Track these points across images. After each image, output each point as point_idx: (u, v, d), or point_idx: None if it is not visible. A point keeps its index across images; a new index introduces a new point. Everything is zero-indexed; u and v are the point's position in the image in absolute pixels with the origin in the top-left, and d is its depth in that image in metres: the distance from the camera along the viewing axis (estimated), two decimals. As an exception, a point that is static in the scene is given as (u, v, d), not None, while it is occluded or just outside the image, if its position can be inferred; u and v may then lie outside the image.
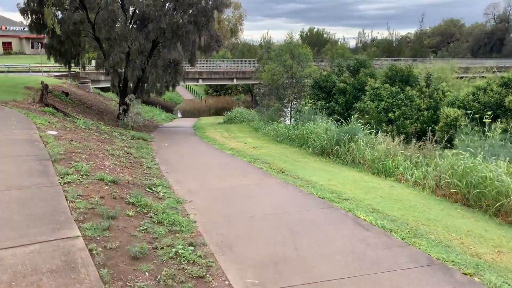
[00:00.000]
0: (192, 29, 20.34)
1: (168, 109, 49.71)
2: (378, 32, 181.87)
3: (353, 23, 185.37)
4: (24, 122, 11.10)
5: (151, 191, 7.42)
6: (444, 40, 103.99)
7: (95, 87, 37.42)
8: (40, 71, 43.28)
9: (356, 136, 12.58)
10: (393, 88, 18.81)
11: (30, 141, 8.92)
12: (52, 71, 43.68)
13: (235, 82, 47.45)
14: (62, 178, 6.63)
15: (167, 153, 13.27)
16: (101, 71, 27.88)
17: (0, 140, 9.02)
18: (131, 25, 22.74)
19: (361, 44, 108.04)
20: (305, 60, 27.10)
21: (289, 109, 28.37)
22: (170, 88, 24.84)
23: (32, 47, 77.08)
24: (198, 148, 15.18)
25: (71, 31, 20.18)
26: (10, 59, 59.43)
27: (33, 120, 11.66)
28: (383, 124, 17.85)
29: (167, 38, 20.03)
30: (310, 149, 13.82)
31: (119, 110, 23.56)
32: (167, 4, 20.63)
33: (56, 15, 15.61)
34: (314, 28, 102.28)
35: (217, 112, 59.36)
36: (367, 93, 19.34)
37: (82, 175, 6.93)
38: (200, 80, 45.86)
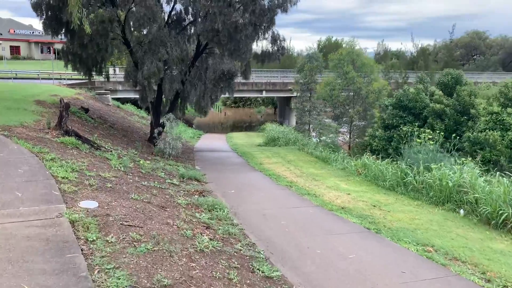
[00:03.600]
0: (251, 32, 15.81)
1: (188, 122, 45.21)
2: (401, 43, 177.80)
3: (360, 34, 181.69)
4: (37, 176, 6.52)
5: None
6: (468, 53, 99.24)
7: (111, 98, 32.95)
8: (51, 79, 38.96)
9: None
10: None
11: (56, 252, 4.24)
12: (63, 79, 39.38)
13: (264, 94, 42.96)
14: None
15: (249, 214, 8.71)
16: (116, 80, 23.07)
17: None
18: (167, 27, 18.31)
19: (379, 55, 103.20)
20: (369, 72, 22.47)
21: (348, 129, 23.70)
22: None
23: (42, 52, 73.13)
24: (281, 198, 10.57)
25: (97, 32, 15.69)
26: (17, 64, 55.29)
27: (51, 169, 7.08)
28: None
29: (220, 42, 15.46)
30: (462, 212, 9.13)
31: (151, 132, 19.04)
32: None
33: (82, 9, 11.19)
34: (332, 37, 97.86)
35: (238, 125, 54.86)
36: (482, 118, 14.67)
37: None
38: (227, 93, 41.25)
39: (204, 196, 10.16)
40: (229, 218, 8.12)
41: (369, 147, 19.52)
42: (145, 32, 17.60)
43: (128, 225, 5.28)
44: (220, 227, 7.12)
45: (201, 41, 16.38)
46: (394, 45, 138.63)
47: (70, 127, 11.58)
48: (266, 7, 15.90)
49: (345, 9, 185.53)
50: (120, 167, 9.85)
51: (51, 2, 15.48)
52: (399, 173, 11.47)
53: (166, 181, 10.67)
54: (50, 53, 72.65)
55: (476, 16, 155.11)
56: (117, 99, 34.85)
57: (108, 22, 15.43)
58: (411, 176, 11.07)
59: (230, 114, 66.35)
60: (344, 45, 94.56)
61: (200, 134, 35.50)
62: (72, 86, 32.33)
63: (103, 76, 19.32)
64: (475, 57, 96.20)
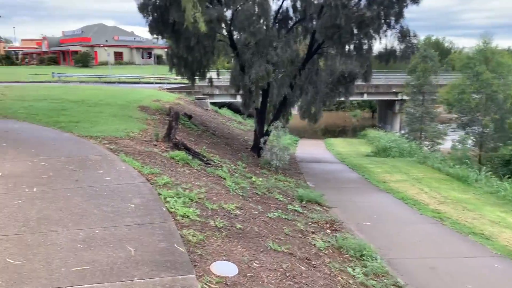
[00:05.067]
0: (376, 28, 13.45)
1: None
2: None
3: (457, 32, 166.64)
4: (152, 215, 4.96)
5: None
6: None
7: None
8: (151, 83, 39.84)
9: None
10: None
11: None
12: (163, 83, 40.02)
13: (365, 97, 39.81)
14: None
15: (411, 267, 6.52)
16: (211, 84, 21.62)
17: None
18: (275, 26, 16.61)
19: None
20: (506, 72, 18.73)
21: (476, 139, 20.09)
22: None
23: (142, 57, 76.83)
24: (439, 240, 8.13)
25: (204, 33, 14.42)
26: (120, 69, 58.25)
27: (168, 202, 5.51)
28: None
29: (340, 40, 13.32)
30: None
31: (255, 140, 17.48)
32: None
33: (197, 4, 9.77)
34: (432, 36, 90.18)
35: (331, 130, 51.90)
36: None
37: None
38: (343, 97, 38.91)
39: (337, 230, 8.12)
40: (389, 274, 5.96)
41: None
42: (250, 33, 16.10)
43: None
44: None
45: (317, 39, 14.36)
46: (501, 43, 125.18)
47: (179, 139, 10.22)
48: (395, -3, 13.43)
49: (442, 6, 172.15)
50: (237, 190, 8.16)
51: (158, 2, 14.53)
52: None
53: (288, 207, 8.79)
54: (150, 58, 76.15)
55: None
56: (213, 103, 34.29)
57: (216, 22, 14.09)
58: None
59: (322, 118, 63.67)
60: (446, 44, 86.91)
61: (296, 140, 33.56)
62: (171, 90, 32.36)
63: (207, 80, 18.15)
64: None
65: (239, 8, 15.10)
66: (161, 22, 14.94)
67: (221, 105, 36.20)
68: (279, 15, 17.31)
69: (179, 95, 28.56)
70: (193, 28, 12.51)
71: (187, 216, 5.17)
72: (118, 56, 75.27)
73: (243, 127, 26.59)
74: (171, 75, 44.45)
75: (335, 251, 6.60)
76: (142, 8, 15.08)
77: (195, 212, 5.38)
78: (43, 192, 5.53)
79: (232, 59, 19.03)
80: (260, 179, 11.15)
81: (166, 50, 19.00)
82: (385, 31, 14.28)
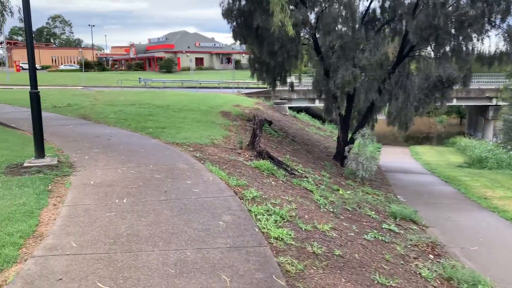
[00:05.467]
0: (480, 27, 12.07)
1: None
2: None
3: None
4: (243, 237, 4.58)
5: None
6: None
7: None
8: (230, 87, 40.41)
9: None
10: None
11: None
12: (242, 87, 40.44)
13: (454, 102, 36.92)
14: None
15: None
16: (292, 89, 20.96)
17: None
18: (362, 27, 15.70)
19: None
20: None
21: None
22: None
23: (221, 62, 78.79)
24: None
25: (288, 37, 14.01)
26: (201, 75, 60.12)
27: (259, 221, 5.08)
28: None
29: (438, 42, 12.15)
30: None
31: (338, 148, 16.70)
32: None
33: (286, 6, 9.33)
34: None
35: (413, 136, 48.80)
36: None
37: None
38: (439, 103, 36.72)
39: (440, 256, 7.18)
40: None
41: None
42: (336, 35, 15.40)
43: None
44: None
45: (410, 41, 13.26)
46: None
47: (263, 148, 9.85)
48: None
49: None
50: (327, 206, 7.54)
51: (243, 7, 14.38)
52: None
53: (383, 226, 7.99)
54: (228, 63, 77.84)
55: None
56: (291, 108, 33.83)
57: (301, 24, 13.59)
58: None
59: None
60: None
61: (379, 147, 31.91)
62: (249, 95, 32.51)
63: (288, 85, 17.72)
64: None
65: (325, 10, 14.50)
66: (244, 27, 14.79)
67: (298, 109, 35.66)
68: (365, 17, 16.40)
69: (258, 99, 28.51)
70: (279, 32, 12.16)
71: (282, 238, 4.68)
72: (199, 61, 77.89)
73: (323, 133, 25.79)
74: (249, 79, 44.76)
75: (445, 283, 5.75)
76: (227, 14, 15.05)
77: (289, 234, 4.87)
78: (133, 204, 5.37)
79: (311, 63, 18.44)
80: (348, 192, 10.42)
81: (248, 56, 18.91)
82: (487, 31, 12.82)
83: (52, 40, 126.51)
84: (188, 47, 77.99)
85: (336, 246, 5.19)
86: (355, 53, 14.31)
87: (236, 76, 44.45)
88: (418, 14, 13.11)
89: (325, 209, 7.23)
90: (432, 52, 13.69)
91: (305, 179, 9.72)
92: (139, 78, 46.87)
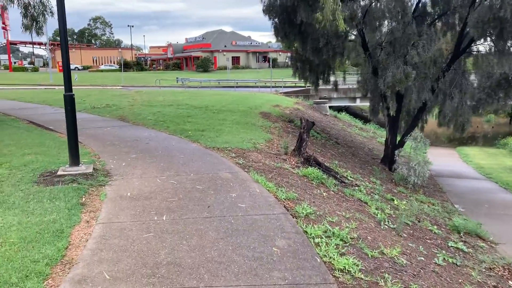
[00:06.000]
0: (552, 18, 10.74)
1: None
2: None
3: None
4: (304, 270, 3.81)
5: None
6: None
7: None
8: (267, 87, 39.73)
9: None
10: None
11: None
12: (279, 86, 39.66)
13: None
14: None
15: None
16: (336, 88, 19.81)
17: None
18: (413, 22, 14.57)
19: None
20: None
21: None
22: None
23: (257, 61, 78.21)
24: None
25: (334, 33, 13.14)
26: (237, 73, 59.79)
27: (317, 246, 4.33)
28: None
29: (502, 36, 10.94)
30: None
31: (385, 151, 15.66)
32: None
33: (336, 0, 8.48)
34: None
35: (458, 137, 46.30)
36: None
37: None
38: (501, 103, 34.60)
39: (521, 282, 6.19)
40: None
41: None
42: (385, 31, 14.39)
43: None
44: None
45: (470, 34, 12.10)
46: None
47: (311, 153, 9.08)
48: None
49: None
50: (387, 222, 6.69)
51: (285, 2, 13.60)
52: None
53: (449, 244, 7.06)
54: (264, 61, 77.21)
55: None
56: (330, 107, 32.72)
57: (349, 20, 12.67)
58: None
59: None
60: None
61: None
62: (287, 94, 31.66)
63: (331, 84, 16.81)
64: None
65: (373, 3, 13.51)
66: (287, 24, 14.02)
67: (337, 109, 34.49)
68: (416, 11, 15.26)
69: (297, 99, 27.67)
70: (324, 28, 11.31)
71: (348, 271, 3.91)
72: (235, 60, 77.66)
73: (365, 133, 24.62)
74: (287, 78, 43.89)
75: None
76: (268, 10, 14.33)
77: (356, 264, 4.10)
78: (173, 222, 4.74)
79: (355, 61, 17.40)
80: (404, 202, 9.47)
81: (284, 54, 18.17)
82: None
83: (93, 41, 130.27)
84: (225, 46, 77.90)
85: (410, 278, 4.36)
86: (406, 50, 13.26)
87: (273, 75, 43.68)
88: (478, 6, 11.92)
89: (386, 226, 6.38)
90: (493, 47, 12.42)
91: (356, 187, 8.87)
92: (177, 78, 46.96)
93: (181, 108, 16.27)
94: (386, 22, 14.05)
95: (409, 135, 13.75)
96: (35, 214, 4.78)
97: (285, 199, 5.85)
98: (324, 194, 7.06)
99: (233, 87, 37.71)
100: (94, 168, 6.73)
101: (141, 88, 34.63)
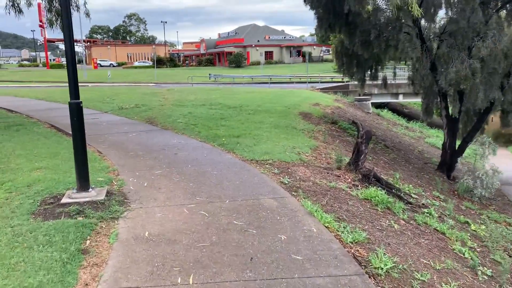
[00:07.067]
0: None
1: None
2: None
3: None
4: None
5: None
6: None
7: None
8: (303, 82, 38.05)
9: None
10: None
11: None
12: (316, 82, 37.91)
13: None
14: None
15: None
16: (385, 85, 17.84)
17: None
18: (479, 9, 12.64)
19: None
20: None
21: None
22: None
23: (291, 56, 76.30)
24: None
25: (387, 24, 11.44)
26: (270, 69, 58.24)
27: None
28: None
29: None
30: None
31: (443, 156, 13.82)
32: None
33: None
34: None
35: (506, 134, 43.04)
36: None
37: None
38: None
39: None
40: None
41: None
42: (444, 21, 12.58)
43: None
44: None
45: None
46: None
47: (370, 167, 7.52)
48: None
49: None
50: (481, 267, 5.09)
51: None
52: None
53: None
54: (298, 56, 75.23)
55: None
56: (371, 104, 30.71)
57: (404, 8, 10.94)
58: None
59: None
60: None
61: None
62: (324, 90, 29.89)
63: (381, 79, 15.07)
64: None
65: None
66: (332, 14, 12.41)
67: (378, 105, 32.41)
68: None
69: (335, 96, 25.91)
70: (361, 24, 9.65)
71: None
72: (269, 55, 76.07)
73: (412, 133, 22.60)
74: (323, 73, 41.94)
75: None
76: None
77: None
78: None
79: (410, 54, 15.51)
80: (483, 227, 7.77)
81: (319, 48, 16.54)
82: None
83: (128, 38, 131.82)
84: (258, 40, 76.39)
85: None
86: (472, 41, 11.43)
87: (308, 70, 41.89)
88: None
89: (485, 277, 4.80)
90: None
91: (425, 210, 7.26)
92: (209, 74, 45.95)
93: (213, 108, 14.97)
94: (444, 10, 12.26)
95: (475, 140, 11.91)
96: (16, 272, 3.51)
97: (351, 243, 4.38)
98: (396, 226, 5.54)
99: (267, 83, 36.20)
100: (108, 192, 5.46)
101: (174, 86, 33.72)
